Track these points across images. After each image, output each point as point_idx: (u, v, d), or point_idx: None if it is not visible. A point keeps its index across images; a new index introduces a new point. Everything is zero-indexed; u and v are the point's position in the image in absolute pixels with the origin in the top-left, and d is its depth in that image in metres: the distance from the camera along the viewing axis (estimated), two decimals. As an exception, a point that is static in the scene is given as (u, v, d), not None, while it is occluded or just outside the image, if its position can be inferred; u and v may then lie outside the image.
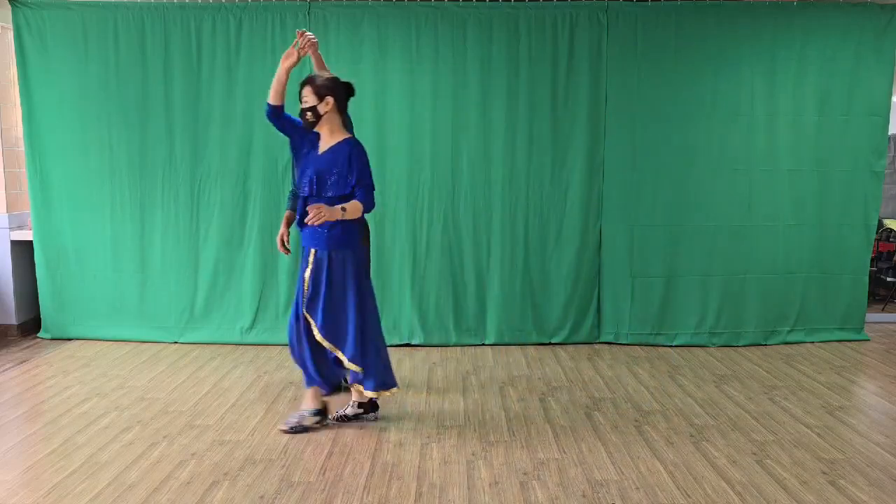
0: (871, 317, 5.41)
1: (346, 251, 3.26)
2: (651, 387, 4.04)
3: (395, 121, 4.75)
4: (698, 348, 4.85)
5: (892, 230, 6.41)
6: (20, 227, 5.03)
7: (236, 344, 4.84)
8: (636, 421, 3.51)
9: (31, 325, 5.10)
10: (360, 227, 3.34)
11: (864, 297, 5.06)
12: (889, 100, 4.88)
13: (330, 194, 3.18)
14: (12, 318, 5.00)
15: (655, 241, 4.85)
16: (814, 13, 4.76)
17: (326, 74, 3.24)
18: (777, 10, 4.74)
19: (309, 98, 3.15)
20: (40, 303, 4.96)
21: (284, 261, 4.81)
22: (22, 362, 4.43)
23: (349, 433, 3.34)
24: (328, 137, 3.24)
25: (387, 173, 4.73)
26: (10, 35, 4.80)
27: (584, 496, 2.73)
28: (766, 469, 2.97)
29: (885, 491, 2.79)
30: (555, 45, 4.73)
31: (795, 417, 3.57)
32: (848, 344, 4.98)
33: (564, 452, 3.13)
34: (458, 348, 4.83)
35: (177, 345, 4.84)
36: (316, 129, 3.24)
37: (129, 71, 4.74)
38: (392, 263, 4.86)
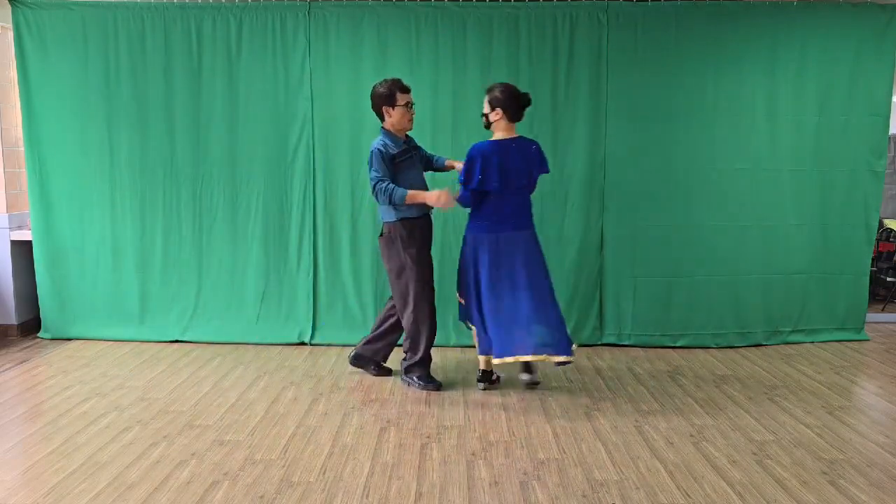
0: (871, 317, 5.41)
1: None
2: (651, 387, 4.04)
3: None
4: (699, 349, 4.85)
5: (892, 230, 6.41)
6: (20, 227, 5.03)
7: (236, 344, 4.84)
8: (636, 421, 3.51)
9: (31, 325, 5.10)
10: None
11: (864, 297, 5.06)
12: (889, 100, 4.88)
13: None
14: (12, 318, 5.00)
15: (656, 242, 4.84)
16: (814, 13, 4.75)
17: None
18: (777, 10, 4.74)
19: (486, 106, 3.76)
20: (40, 303, 4.96)
21: (285, 260, 4.82)
22: (22, 362, 4.43)
23: (349, 433, 3.34)
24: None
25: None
26: (10, 35, 4.81)
27: (584, 496, 2.73)
28: (766, 469, 2.97)
29: (885, 491, 2.79)
30: (555, 45, 4.73)
31: (795, 417, 3.57)
32: (848, 344, 4.97)
33: (564, 452, 3.13)
34: (458, 349, 4.83)
35: (177, 345, 4.84)
36: None
37: (129, 71, 4.75)
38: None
